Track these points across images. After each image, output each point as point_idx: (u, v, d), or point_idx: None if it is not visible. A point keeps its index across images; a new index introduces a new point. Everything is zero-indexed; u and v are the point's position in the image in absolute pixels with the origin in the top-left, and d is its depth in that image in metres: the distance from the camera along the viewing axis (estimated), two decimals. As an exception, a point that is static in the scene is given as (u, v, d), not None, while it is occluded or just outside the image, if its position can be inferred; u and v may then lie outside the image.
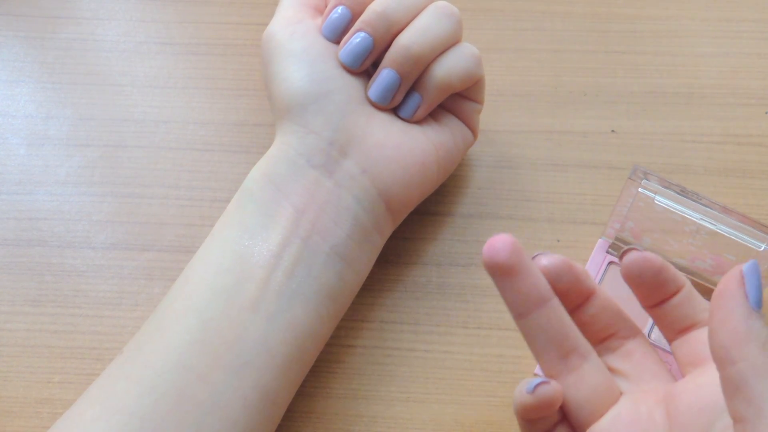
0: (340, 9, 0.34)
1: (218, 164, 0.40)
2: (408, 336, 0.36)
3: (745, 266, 0.22)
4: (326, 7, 0.35)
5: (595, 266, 0.37)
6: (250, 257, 0.30)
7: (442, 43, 0.33)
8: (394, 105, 0.34)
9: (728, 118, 0.41)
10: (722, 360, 0.22)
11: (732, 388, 0.21)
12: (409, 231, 0.38)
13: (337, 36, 0.34)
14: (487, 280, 0.37)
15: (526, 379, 0.27)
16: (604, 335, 0.28)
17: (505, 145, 0.41)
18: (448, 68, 0.33)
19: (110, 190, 0.40)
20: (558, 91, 0.42)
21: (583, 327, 0.28)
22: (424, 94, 0.34)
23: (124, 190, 0.40)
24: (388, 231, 0.35)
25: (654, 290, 0.27)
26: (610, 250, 0.37)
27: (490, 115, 0.40)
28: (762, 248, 0.32)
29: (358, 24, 0.33)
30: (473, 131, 0.37)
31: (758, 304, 0.22)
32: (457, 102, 0.36)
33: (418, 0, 0.33)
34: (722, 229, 0.32)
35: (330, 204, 0.32)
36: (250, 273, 0.30)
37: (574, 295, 0.28)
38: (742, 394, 0.21)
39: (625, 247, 0.27)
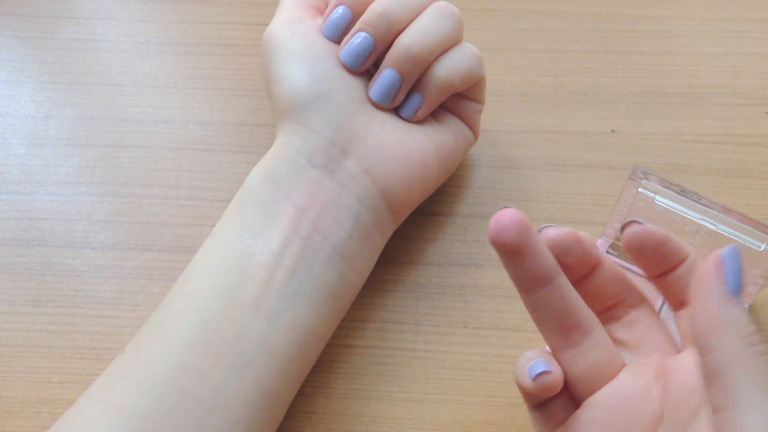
0: (341, 9, 0.34)
1: (218, 164, 0.40)
2: (408, 336, 0.36)
3: (724, 250, 0.21)
4: (327, 7, 0.35)
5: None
6: (252, 256, 0.30)
7: (442, 43, 0.33)
8: (395, 105, 0.34)
9: (728, 118, 0.41)
10: (700, 348, 0.21)
11: (709, 377, 0.21)
12: (409, 231, 0.38)
13: (337, 36, 0.34)
14: (487, 281, 0.37)
15: (530, 354, 0.27)
16: (609, 304, 0.28)
17: (505, 145, 0.41)
18: (449, 68, 0.33)
19: (110, 190, 0.40)
20: (558, 91, 0.42)
21: (588, 297, 0.27)
22: (425, 94, 0.34)
23: (124, 190, 0.40)
24: (390, 230, 0.35)
25: (656, 262, 0.27)
26: (610, 250, 0.37)
27: (490, 115, 0.40)
28: (762, 248, 0.32)
29: (359, 24, 0.33)
30: (474, 131, 0.37)
31: (737, 290, 0.21)
32: (458, 102, 0.36)
33: (419, 0, 0.33)
34: (722, 229, 0.32)
35: (331, 203, 0.32)
36: (251, 272, 0.30)
37: (581, 267, 0.27)
38: (719, 383, 0.21)
39: (628, 220, 0.27)
